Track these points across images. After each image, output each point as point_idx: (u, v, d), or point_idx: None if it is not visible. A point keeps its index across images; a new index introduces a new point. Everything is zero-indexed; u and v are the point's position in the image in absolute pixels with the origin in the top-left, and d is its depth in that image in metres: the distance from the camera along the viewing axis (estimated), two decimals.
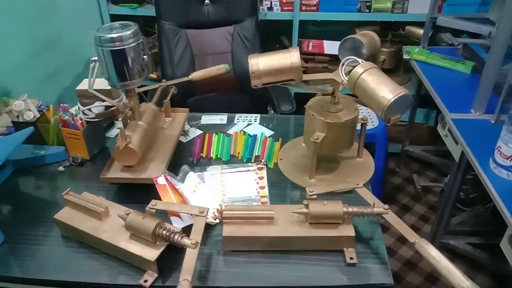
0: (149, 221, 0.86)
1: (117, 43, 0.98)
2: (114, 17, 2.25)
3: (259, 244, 0.92)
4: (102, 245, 0.91)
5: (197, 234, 0.85)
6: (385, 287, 0.86)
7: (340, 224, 0.92)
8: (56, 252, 0.94)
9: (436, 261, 0.77)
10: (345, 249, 0.91)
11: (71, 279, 0.88)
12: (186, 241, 0.83)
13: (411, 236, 0.84)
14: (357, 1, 2.11)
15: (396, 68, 2.38)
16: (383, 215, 0.89)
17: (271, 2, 2.16)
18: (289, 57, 0.99)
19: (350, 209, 0.91)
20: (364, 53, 1.04)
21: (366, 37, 1.06)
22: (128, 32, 0.99)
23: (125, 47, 0.99)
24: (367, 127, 1.19)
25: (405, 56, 1.95)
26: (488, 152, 1.24)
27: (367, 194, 0.96)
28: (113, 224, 0.93)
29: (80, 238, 0.95)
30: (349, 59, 0.99)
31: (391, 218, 0.88)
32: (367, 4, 2.12)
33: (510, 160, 1.15)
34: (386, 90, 0.89)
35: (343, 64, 0.99)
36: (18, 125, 1.22)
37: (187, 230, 0.87)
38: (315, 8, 2.15)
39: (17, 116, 1.25)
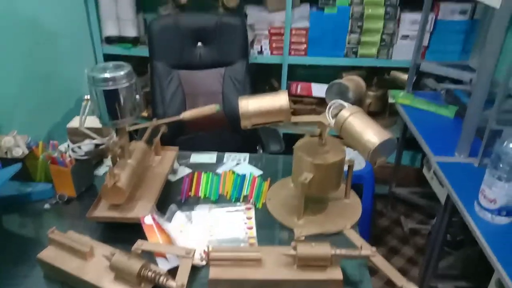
0: (134, 262, 0.85)
1: (110, 83, 1.00)
2: (108, 57, 2.30)
3: (246, 287, 0.91)
4: (85, 286, 0.89)
5: (183, 276, 0.84)
6: None
7: (328, 266, 0.91)
8: None
9: None
10: None
11: None
12: (171, 283, 0.82)
13: (399, 280, 0.84)
14: (344, 46, 2.20)
15: (382, 111, 2.43)
16: (371, 258, 0.89)
17: (261, 46, 2.24)
18: (278, 100, 1.02)
19: (338, 252, 0.90)
20: (350, 97, 1.07)
21: (352, 82, 1.10)
22: (122, 73, 1.01)
23: (118, 87, 1.01)
24: (354, 169, 1.21)
25: (391, 100, 2.01)
26: (473, 195, 1.26)
27: (354, 236, 0.96)
28: (97, 265, 0.91)
29: (64, 279, 0.92)
30: (336, 102, 1.02)
31: (379, 261, 0.88)
32: (354, 50, 2.21)
33: (494, 203, 1.17)
34: (371, 134, 0.92)
35: (329, 108, 1.02)
36: (6, 162, 1.21)
37: (173, 272, 0.86)
38: (303, 52, 2.23)
39: (6, 153, 1.25)
